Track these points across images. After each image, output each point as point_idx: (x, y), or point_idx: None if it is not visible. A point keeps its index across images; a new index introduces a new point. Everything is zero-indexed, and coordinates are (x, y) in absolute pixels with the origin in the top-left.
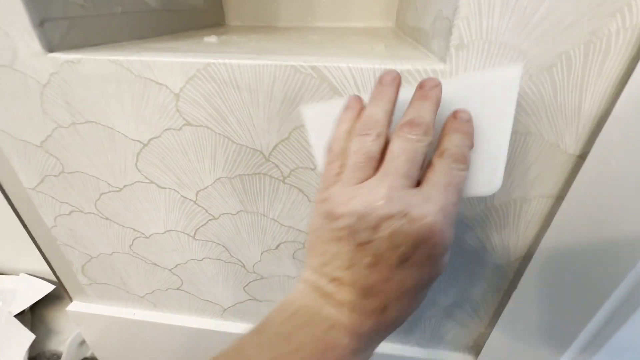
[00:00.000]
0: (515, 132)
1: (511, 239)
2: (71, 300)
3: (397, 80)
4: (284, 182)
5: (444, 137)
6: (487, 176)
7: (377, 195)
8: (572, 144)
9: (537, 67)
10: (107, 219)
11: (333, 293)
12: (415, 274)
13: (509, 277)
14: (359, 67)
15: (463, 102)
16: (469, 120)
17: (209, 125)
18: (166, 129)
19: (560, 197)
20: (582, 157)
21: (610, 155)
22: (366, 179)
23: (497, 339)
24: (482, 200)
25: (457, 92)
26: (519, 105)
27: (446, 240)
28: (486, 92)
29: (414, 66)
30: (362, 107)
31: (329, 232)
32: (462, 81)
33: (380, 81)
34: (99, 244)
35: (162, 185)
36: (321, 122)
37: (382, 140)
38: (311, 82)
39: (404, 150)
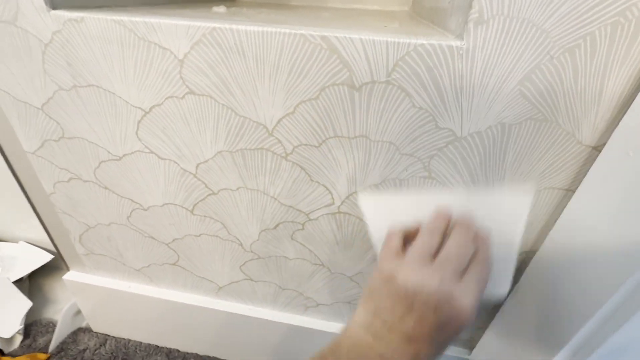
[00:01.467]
0: (529, 119)
1: None
2: (68, 270)
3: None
4: (287, 159)
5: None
6: (498, 281)
7: (435, 279)
8: (588, 134)
9: (559, 48)
10: (105, 188)
11: (384, 335)
12: (443, 336)
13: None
14: (371, 40)
15: (481, 215)
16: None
17: (213, 95)
18: (169, 97)
19: (570, 190)
20: (597, 149)
21: (629, 148)
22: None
23: (492, 334)
24: (490, 190)
25: (476, 206)
26: (535, 86)
27: (471, 320)
28: (501, 210)
29: (429, 40)
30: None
31: (389, 290)
32: (482, 197)
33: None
34: (97, 213)
35: (162, 156)
36: (380, 214)
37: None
38: (320, 53)
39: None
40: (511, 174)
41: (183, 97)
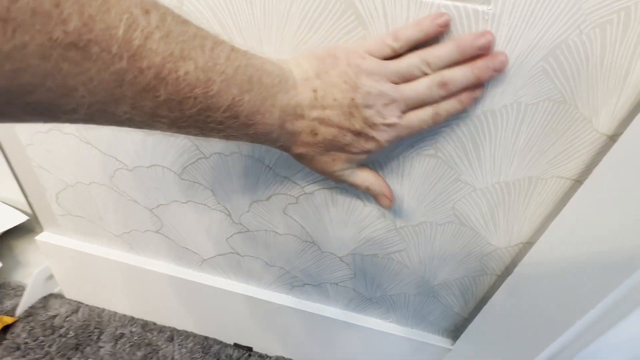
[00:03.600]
0: (547, 99)
1: (517, 220)
2: (42, 231)
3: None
4: None
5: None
6: None
7: (391, 96)
8: (606, 122)
9: (590, 22)
10: (87, 142)
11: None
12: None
13: (506, 263)
14: None
15: None
16: (474, 98)
17: None
18: None
19: (578, 181)
20: (612, 138)
21: None
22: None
23: (478, 326)
24: (496, 173)
25: None
26: (559, 63)
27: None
28: None
29: (453, 2)
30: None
31: (344, 73)
32: None
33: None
34: (77, 170)
35: None
36: None
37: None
38: (335, 6)
39: (421, 93)
40: (519, 159)
41: None
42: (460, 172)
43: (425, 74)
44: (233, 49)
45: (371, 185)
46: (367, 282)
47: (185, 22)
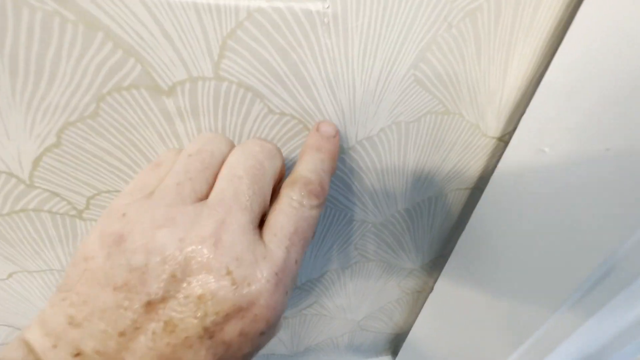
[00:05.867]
0: (428, 113)
1: (425, 240)
2: None
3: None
4: (81, 218)
5: (300, 157)
6: None
7: (202, 232)
8: (493, 124)
9: (459, 11)
10: None
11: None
12: (217, 355)
13: (424, 279)
14: (164, 2)
15: None
16: (335, 136)
17: None
18: None
19: (477, 189)
20: (502, 140)
21: (542, 138)
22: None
23: (414, 340)
24: (392, 205)
25: None
26: (432, 69)
27: (272, 315)
28: None
29: (270, 2)
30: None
31: (107, 269)
32: None
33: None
34: None
35: None
36: None
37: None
38: (67, 31)
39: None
40: (414, 184)
41: None
42: (352, 213)
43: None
44: None
45: None
46: (285, 343)
47: None
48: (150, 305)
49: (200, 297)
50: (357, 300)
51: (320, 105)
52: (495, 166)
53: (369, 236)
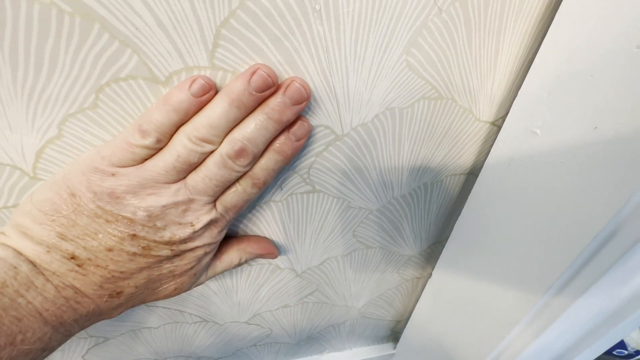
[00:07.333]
0: (421, 99)
1: (423, 226)
2: None
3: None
4: None
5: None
6: None
7: (181, 200)
8: (486, 109)
9: None
10: None
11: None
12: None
13: (423, 265)
14: None
15: None
16: (301, 140)
17: None
18: None
19: (472, 174)
20: (495, 124)
21: (533, 120)
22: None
23: (414, 326)
24: (389, 191)
25: None
26: (425, 54)
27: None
28: None
29: None
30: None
31: (97, 209)
32: None
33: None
34: None
35: None
36: None
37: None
38: (65, 25)
39: (219, 176)
40: (409, 170)
41: None
42: (349, 200)
43: (211, 150)
44: None
45: (241, 258)
46: (288, 331)
47: None
48: (134, 238)
49: (169, 240)
50: (357, 288)
51: (314, 93)
52: (489, 151)
53: (368, 223)
